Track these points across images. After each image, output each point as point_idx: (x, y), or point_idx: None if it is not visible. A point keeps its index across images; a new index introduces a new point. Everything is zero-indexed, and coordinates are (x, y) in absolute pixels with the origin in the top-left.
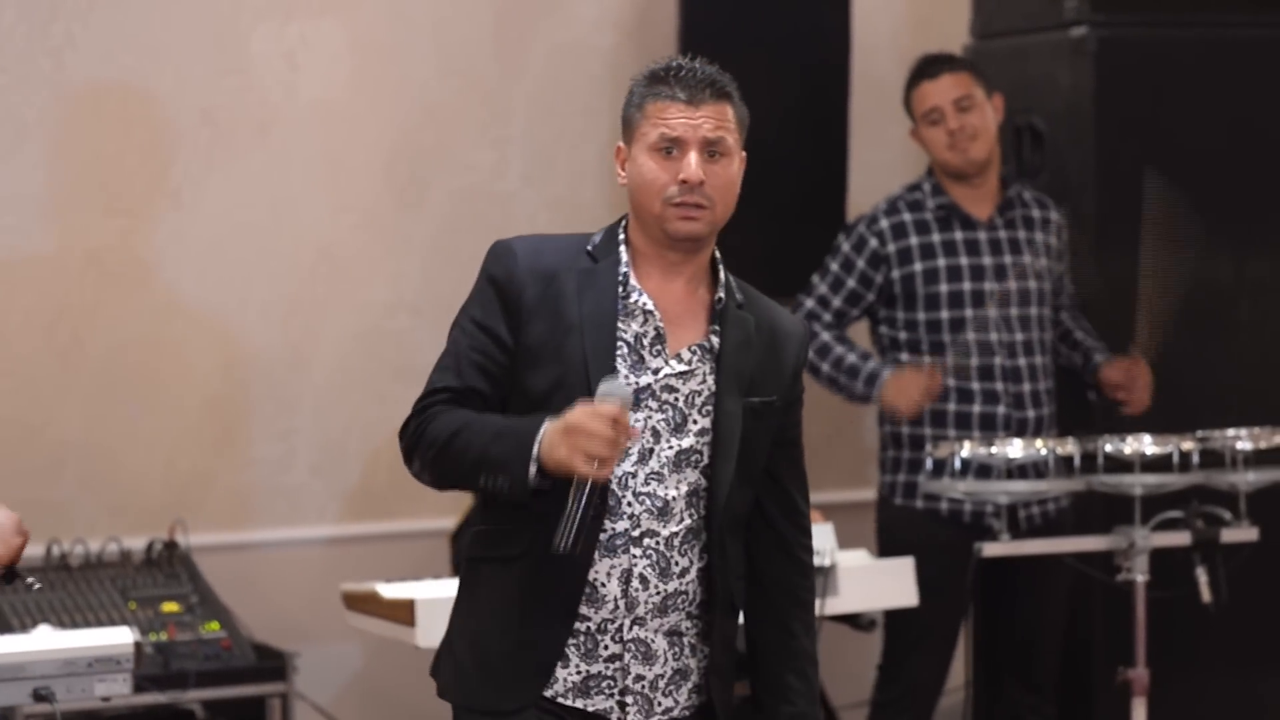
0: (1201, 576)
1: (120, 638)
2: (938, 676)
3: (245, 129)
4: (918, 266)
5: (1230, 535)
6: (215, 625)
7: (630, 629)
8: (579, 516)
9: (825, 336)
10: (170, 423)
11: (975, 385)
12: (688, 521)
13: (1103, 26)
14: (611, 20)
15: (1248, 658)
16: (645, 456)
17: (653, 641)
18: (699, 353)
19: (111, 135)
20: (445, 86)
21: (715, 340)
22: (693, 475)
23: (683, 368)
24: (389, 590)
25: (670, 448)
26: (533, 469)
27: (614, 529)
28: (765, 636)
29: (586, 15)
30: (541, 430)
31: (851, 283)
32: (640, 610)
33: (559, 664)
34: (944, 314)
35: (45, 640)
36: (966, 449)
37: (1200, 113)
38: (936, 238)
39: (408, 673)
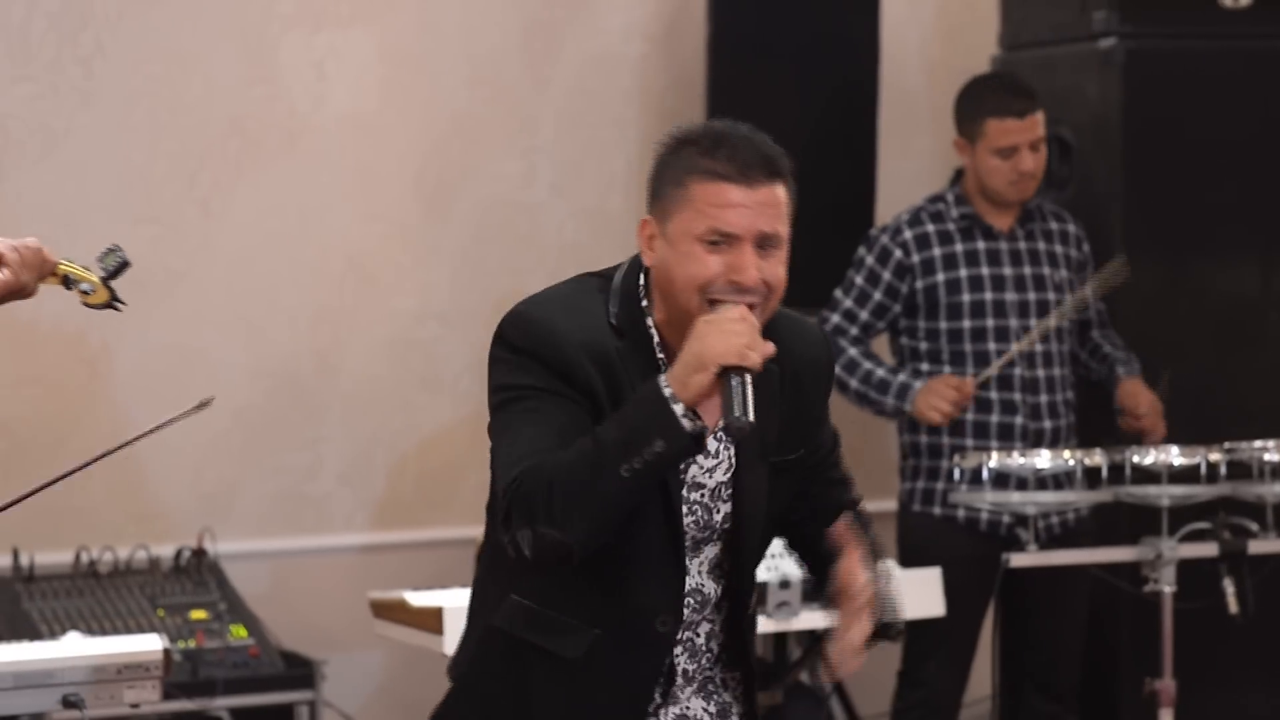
0: (1228, 588)
1: (149, 645)
2: (957, 683)
3: (274, 138)
4: (940, 277)
5: (1257, 546)
6: (243, 633)
7: (666, 712)
8: (747, 389)
9: (852, 352)
10: (198, 431)
11: (993, 395)
12: (713, 595)
13: (1131, 38)
14: (640, 30)
15: (1275, 669)
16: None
17: (688, 708)
18: (723, 439)
19: (140, 144)
20: (474, 96)
21: None
22: (712, 550)
23: (712, 462)
24: (416, 598)
25: (694, 541)
26: (679, 409)
27: (665, 659)
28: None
29: (615, 25)
30: (661, 381)
31: (878, 295)
32: (675, 693)
33: None
34: (966, 323)
35: (74, 647)
36: (994, 460)
37: (1227, 124)
38: (959, 248)
39: (435, 681)
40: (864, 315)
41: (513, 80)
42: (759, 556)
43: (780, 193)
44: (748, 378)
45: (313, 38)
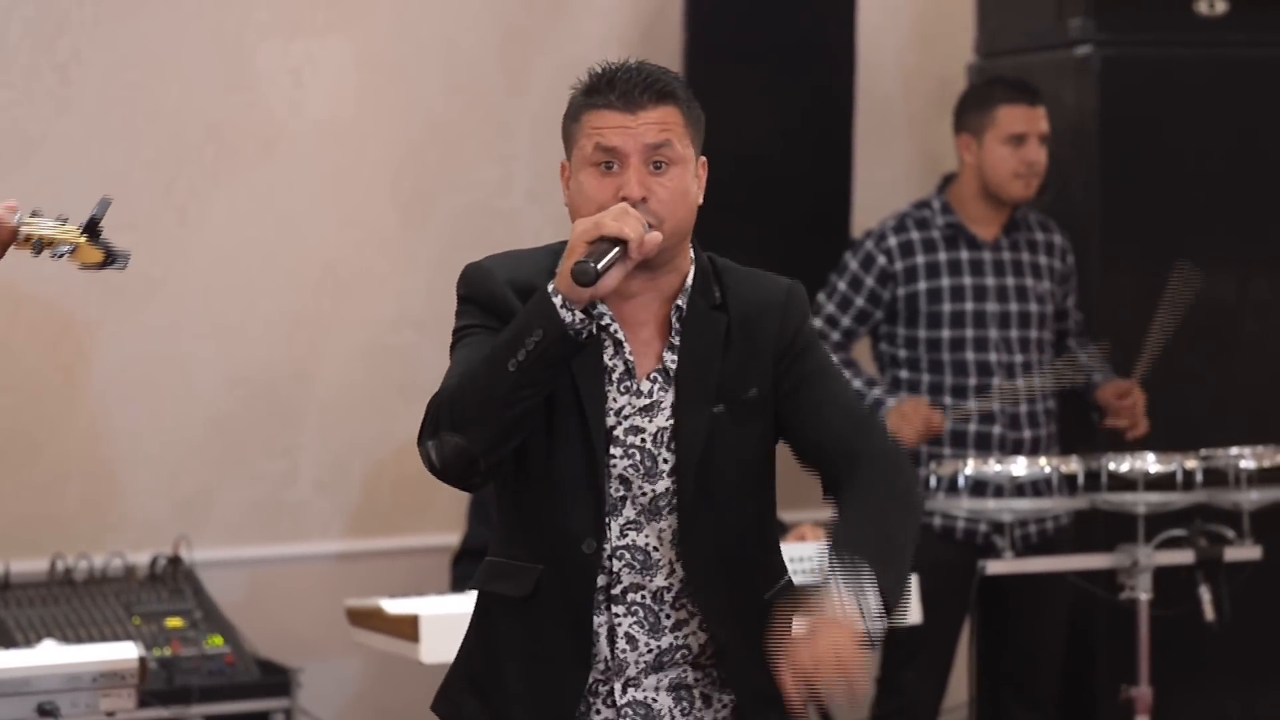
0: (1204, 595)
1: (124, 653)
2: (935, 691)
3: (250, 145)
4: (922, 285)
5: (1233, 554)
6: (219, 640)
7: (624, 692)
8: (606, 253)
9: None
10: (174, 438)
11: (972, 404)
12: (680, 572)
13: (1107, 45)
14: (617, 37)
15: (1250, 676)
16: (616, 507)
17: (654, 701)
18: (658, 379)
19: (116, 151)
20: (450, 103)
21: (671, 359)
22: (676, 520)
23: (644, 402)
24: (393, 606)
25: (644, 494)
26: (558, 300)
27: (595, 582)
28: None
29: (592, 32)
30: (549, 284)
31: (860, 301)
32: (631, 671)
33: None
34: (945, 333)
35: (50, 655)
36: (971, 467)
37: (1204, 132)
38: (942, 256)
39: (412, 688)
40: (846, 321)
41: (490, 87)
42: (723, 521)
43: (671, 114)
44: (616, 250)
45: (289, 45)
